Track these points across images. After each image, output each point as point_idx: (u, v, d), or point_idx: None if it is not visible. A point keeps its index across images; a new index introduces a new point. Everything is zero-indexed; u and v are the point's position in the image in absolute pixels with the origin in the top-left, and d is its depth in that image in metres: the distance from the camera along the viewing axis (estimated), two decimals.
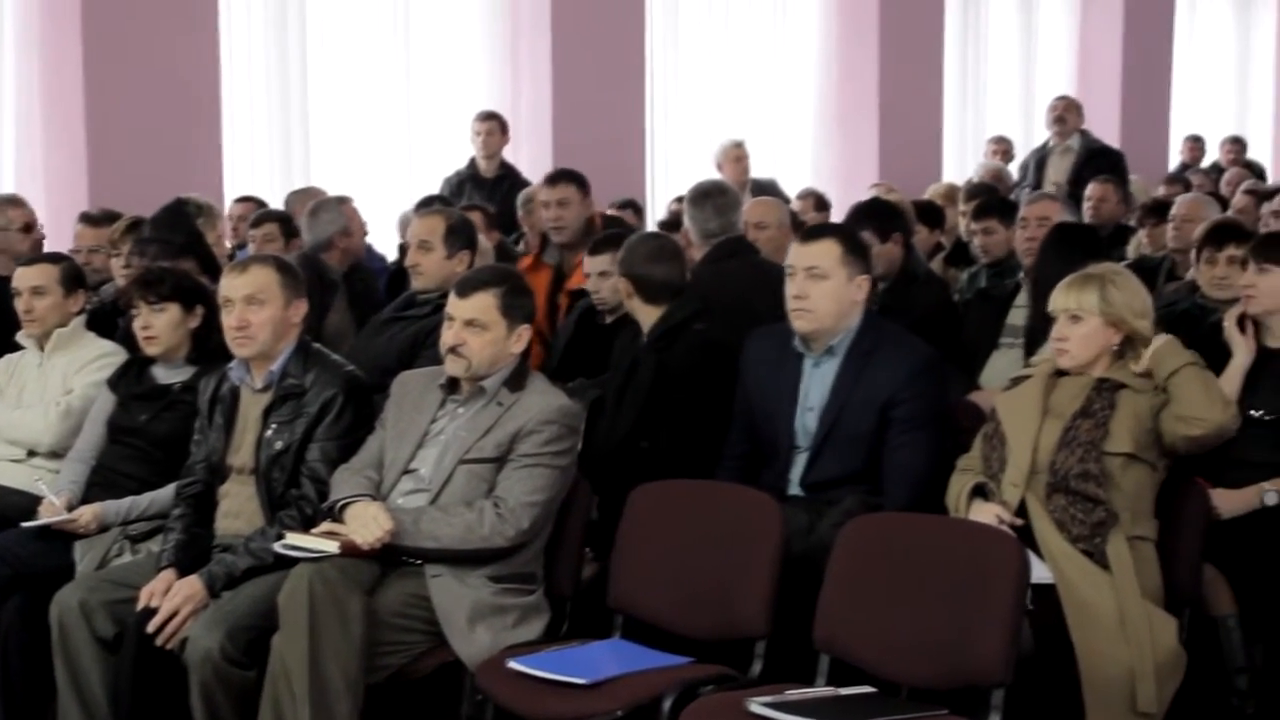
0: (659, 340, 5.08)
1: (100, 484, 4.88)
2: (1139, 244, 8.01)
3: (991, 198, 7.58)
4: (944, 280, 7.18)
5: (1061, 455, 4.14)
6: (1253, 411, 4.70)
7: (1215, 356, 4.82)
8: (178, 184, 6.74)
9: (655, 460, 4.81)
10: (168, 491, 4.73)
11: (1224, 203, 8.78)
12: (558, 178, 6.97)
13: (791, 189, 9.93)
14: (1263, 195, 8.36)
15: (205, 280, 5.35)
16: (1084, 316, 4.26)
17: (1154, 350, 4.22)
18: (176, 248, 5.64)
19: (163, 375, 4.97)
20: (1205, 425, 4.11)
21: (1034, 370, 4.45)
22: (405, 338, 5.35)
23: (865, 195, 8.37)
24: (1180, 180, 11.66)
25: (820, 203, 9.14)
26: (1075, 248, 5.56)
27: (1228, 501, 4.52)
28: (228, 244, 6.89)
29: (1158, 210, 7.87)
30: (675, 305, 5.13)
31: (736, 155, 9.84)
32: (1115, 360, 4.28)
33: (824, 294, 4.57)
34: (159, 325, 4.90)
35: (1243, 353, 4.77)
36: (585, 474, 4.54)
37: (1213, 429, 4.13)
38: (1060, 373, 4.35)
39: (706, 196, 6.18)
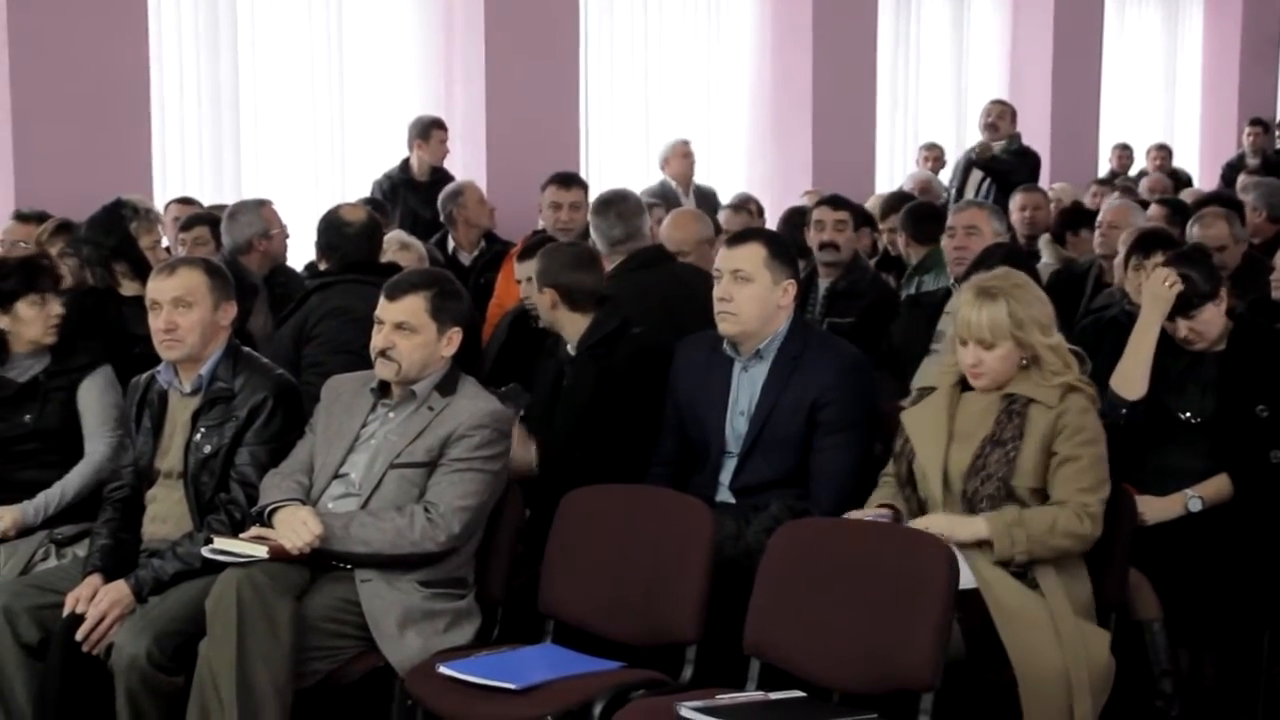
0: (595, 347, 5.02)
1: None
2: (1054, 250, 8.03)
3: (916, 212, 7.53)
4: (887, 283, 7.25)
5: (973, 482, 4.10)
6: (1181, 414, 4.75)
7: None
8: (106, 185, 6.66)
9: (591, 467, 4.77)
10: (75, 476, 4.74)
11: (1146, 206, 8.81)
12: (571, 180, 7.00)
13: (725, 195, 9.96)
14: (1177, 208, 8.32)
15: (137, 285, 5.33)
16: (997, 342, 4.12)
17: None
18: (108, 250, 5.60)
19: (17, 372, 4.93)
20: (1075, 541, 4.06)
21: (938, 381, 4.33)
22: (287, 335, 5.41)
23: (798, 202, 8.41)
24: (1104, 183, 11.66)
25: (758, 210, 9.16)
26: None
27: (1153, 508, 4.57)
28: (180, 249, 6.81)
29: (1078, 215, 7.92)
30: (604, 312, 5.07)
31: (684, 152, 9.99)
32: (1020, 372, 4.17)
33: (749, 297, 4.58)
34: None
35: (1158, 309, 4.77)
36: (517, 480, 4.53)
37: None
38: (966, 383, 4.25)
39: (608, 204, 6.17)
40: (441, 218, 7.98)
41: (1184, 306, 4.76)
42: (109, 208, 5.82)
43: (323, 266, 5.70)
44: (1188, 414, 4.76)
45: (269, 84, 9.11)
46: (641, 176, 9.78)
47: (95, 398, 4.91)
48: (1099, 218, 7.45)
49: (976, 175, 10.18)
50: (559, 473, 4.81)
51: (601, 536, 4.34)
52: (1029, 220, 8.49)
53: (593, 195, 7.18)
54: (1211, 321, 4.79)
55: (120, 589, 4.25)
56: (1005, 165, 10.11)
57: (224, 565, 4.09)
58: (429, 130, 9.06)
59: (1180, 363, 4.82)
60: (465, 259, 7.84)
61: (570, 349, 5.07)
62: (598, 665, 4.09)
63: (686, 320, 5.10)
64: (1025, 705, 3.84)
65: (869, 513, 4.23)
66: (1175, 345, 4.84)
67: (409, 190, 8.93)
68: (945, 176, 11.42)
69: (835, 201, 7.05)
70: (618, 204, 6.18)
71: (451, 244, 7.94)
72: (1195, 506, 4.62)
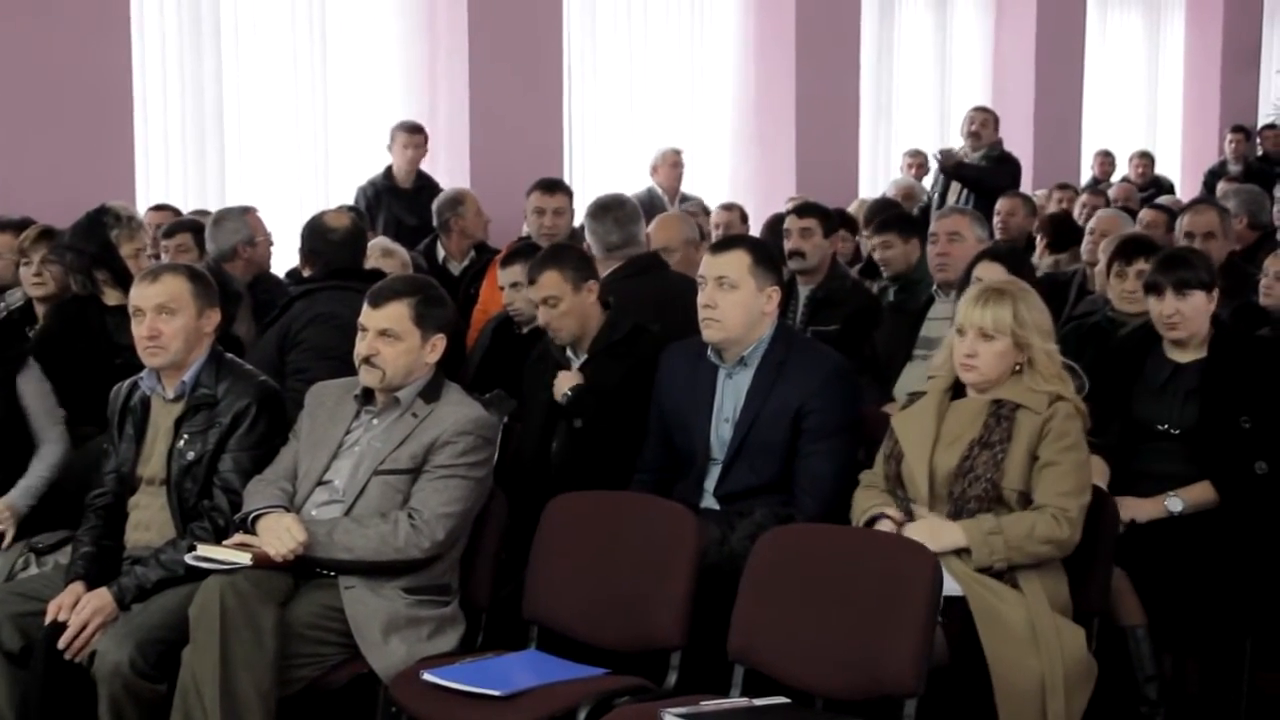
0: (617, 345, 5.05)
1: None
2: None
3: (889, 214, 7.53)
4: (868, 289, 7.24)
5: (959, 484, 4.11)
6: (1159, 425, 4.75)
7: (1123, 369, 4.88)
8: (89, 192, 6.65)
9: (600, 467, 4.79)
10: (43, 468, 4.82)
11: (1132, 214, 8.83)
12: (555, 186, 6.98)
13: (710, 201, 9.96)
14: (1170, 211, 8.37)
15: (119, 294, 5.32)
16: (996, 336, 4.17)
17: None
18: (89, 257, 5.60)
19: None
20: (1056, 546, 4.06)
21: (929, 385, 4.35)
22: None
23: (781, 209, 8.40)
24: (1065, 188, 11.61)
25: (743, 216, 9.17)
26: None
27: (1131, 508, 4.56)
28: (164, 256, 6.79)
29: (1060, 225, 7.94)
30: (615, 312, 5.14)
31: (674, 161, 10.11)
32: (1011, 377, 4.19)
33: (733, 304, 4.59)
34: None
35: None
36: (503, 486, 4.53)
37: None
38: (956, 390, 4.28)
39: (606, 210, 6.16)
40: (435, 223, 7.93)
41: (1180, 285, 4.75)
42: (92, 215, 5.82)
43: (306, 273, 5.70)
44: (1165, 425, 4.75)
45: (252, 91, 9.09)
46: (625, 183, 9.75)
47: (36, 391, 4.95)
48: (1089, 225, 7.45)
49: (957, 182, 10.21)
50: (566, 477, 4.81)
51: (586, 543, 4.33)
52: (1003, 226, 8.48)
53: (577, 202, 7.18)
54: (1199, 309, 4.77)
55: (103, 596, 4.23)
56: (973, 172, 10.10)
57: (207, 572, 4.08)
58: (395, 134, 9.06)
59: (1162, 373, 4.81)
60: (455, 268, 7.79)
61: (571, 352, 5.12)
62: (582, 672, 4.09)
63: (678, 328, 5.10)
64: (1001, 712, 3.84)
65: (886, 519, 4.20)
66: (1159, 355, 4.84)
67: (393, 197, 8.91)
68: (928, 183, 11.42)
69: (801, 209, 6.97)
70: (615, 209, 6.17)
71: (441, 252, 7.91)
72: (1175, 507, 4.62)
